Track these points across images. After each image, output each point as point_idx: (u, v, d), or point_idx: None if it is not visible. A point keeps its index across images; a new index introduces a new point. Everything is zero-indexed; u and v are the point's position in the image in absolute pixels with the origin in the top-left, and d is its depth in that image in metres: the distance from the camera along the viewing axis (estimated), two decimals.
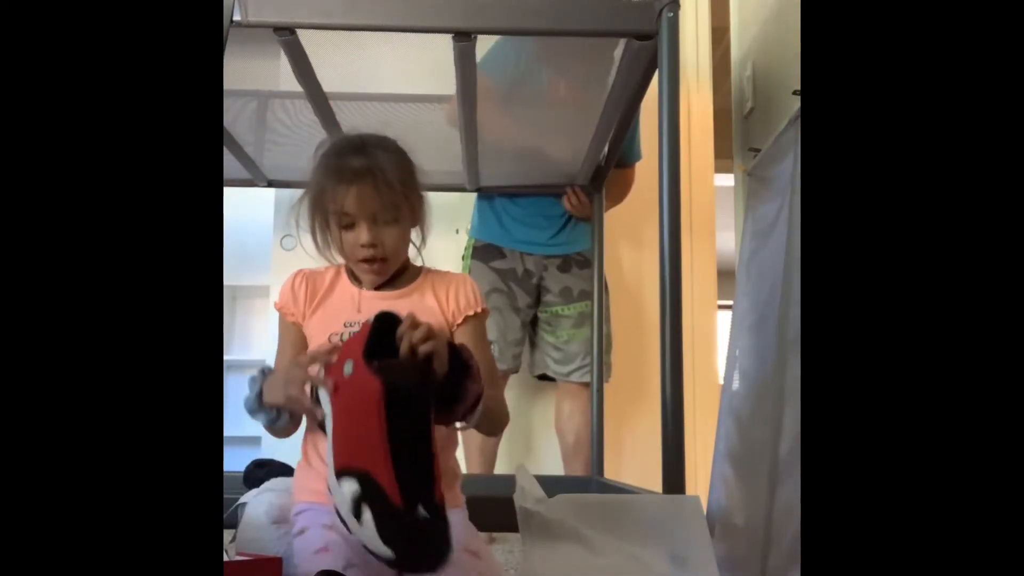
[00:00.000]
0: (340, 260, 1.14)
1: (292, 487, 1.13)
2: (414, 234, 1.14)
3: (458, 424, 1.03)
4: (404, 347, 0.91)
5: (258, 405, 1.04)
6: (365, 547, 0.86)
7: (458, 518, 1.08)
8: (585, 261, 2.22)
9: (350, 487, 0.86)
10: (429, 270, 1.17)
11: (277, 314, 1.16)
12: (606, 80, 1.58)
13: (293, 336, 1.14)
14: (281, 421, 1.05)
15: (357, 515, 0.85)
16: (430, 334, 0.93)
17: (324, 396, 0.94)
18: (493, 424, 1.10)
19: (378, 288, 1.13)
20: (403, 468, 0.86)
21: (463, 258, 2.25)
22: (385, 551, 0.84)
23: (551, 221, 2.21)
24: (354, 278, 1.14)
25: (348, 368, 0.90)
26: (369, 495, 0.85)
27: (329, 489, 0.91)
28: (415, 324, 0.93)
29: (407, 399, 0.89)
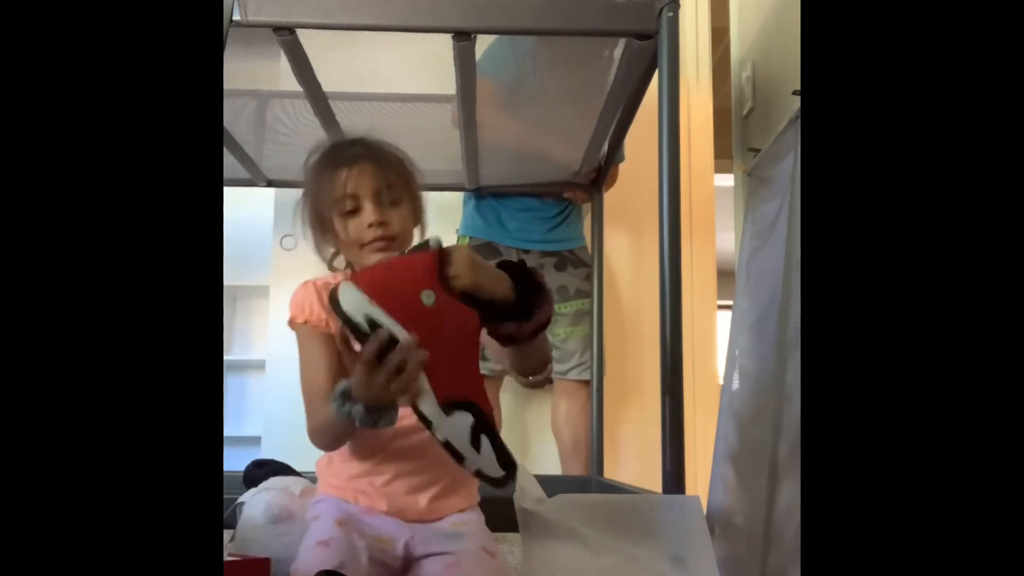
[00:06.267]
0: (339, 264, 1.12)
1: (294, 484, 1.13)
2: (416, 232, 1.12)
3: (518, 346, 1.01)
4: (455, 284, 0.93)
5: (370, 417, 0.91)
6: (478, 472, 0.92)
7: (479, 517, 1.11)
8: (578, 260, 2.22)
9: (464, 419, 0.90)
10: None
11: (284, 325, 1.07)
12: (604, 79, 1.58)
13: (328, 349, 1.03)
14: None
15: (475, 445, 0.91)
16: (466, 274, 0.93)
17: (394, 325, 0.88)
18: (541, 359, 1.09)
19: None
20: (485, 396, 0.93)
21: None
22: (499, 472, 0.92)
23: (547, 217, 2.21)
24: None
25: (429, 298, 0.90)
26: (483, 425, 0.91)
27: (428, 419, 0.90)
28: (458, 266, 0.93)
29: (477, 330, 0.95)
